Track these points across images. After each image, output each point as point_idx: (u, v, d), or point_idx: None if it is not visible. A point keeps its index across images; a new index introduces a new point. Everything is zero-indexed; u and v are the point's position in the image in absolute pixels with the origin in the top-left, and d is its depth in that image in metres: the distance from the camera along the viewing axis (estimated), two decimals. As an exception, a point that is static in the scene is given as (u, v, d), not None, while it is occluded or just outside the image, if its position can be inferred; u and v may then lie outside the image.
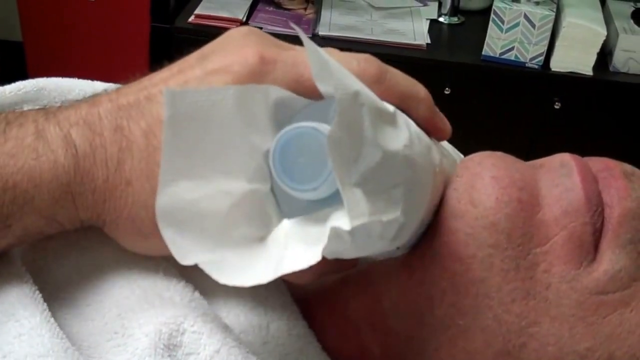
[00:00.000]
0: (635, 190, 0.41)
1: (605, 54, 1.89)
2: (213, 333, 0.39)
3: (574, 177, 0.41)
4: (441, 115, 0.44)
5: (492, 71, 1.88)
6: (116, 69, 2.01)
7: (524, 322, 0.40)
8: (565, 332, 0.39)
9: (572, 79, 1.85)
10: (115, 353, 0.38)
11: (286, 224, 0.37)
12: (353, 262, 0.48)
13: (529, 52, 1.84)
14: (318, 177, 0.35)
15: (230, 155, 0.37)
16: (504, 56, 1.85)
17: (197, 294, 0.42)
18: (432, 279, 0.41)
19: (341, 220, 0.34)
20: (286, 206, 0.38)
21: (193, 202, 0.36)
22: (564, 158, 0.43)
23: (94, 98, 0.41)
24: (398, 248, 0.40)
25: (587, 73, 1.84)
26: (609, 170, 0.42)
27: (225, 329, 0.40)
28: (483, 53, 1.86)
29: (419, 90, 0.43)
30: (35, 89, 0.48)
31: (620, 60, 1.86)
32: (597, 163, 0.43)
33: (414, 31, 1.97)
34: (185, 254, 0.35)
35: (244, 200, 0.37)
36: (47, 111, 0.40)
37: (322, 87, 0.36)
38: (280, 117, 0.38)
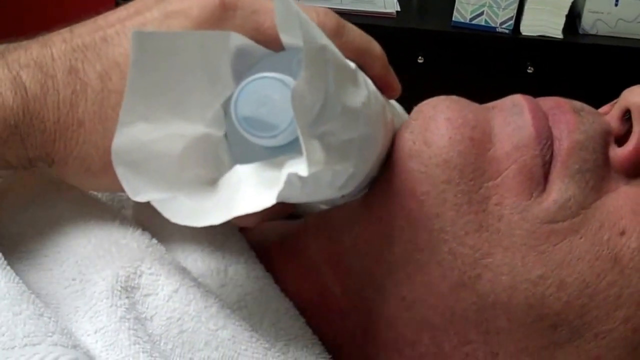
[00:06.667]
0: (584, 123, 0.42)
1: (574, 16, 1.90)
2: (171, 274, 0.40)
3: (525, 115, 0.42)
4: (393, 74, 0.45)
5: (463, 38, 1.88)
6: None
7: (478, 254, 0.40)
8: (517, 261, 0.40)
9: (543, 43, 1.86)
10: (73, 298, 0.38)
11: (240, 169, 0.38)
12: (291, 207, 0.49)
13: (498, 17, 1.84)
14: (278, 126, 0.36)
15: (190, 100, 0.38)
16: (474, 21, 1.86)
17: (154, 240, 0.42)
18: (389, 217, 0.42)
19: (298, 167, 0.35)
20: (240, 152, 0.38)
21: (148, 143, 0.37)
22: (516, 98, 0.44)
23: (45, 38, 0.40)
24: (343, 196, 0.41)
25: (557, 36, 1.85)
26: (559, 107, 0.43)
27: (183, 270, 0.41)
28: (453, 19, 1.86)
29: (375, 47, 0.44)
30: None
31: (588, 22, 1.87)
32: (548, 102, 0.44)
33: (384, -2, 1.97)
34: (138, 191, 0.36)
35: (197, 142, 0.38)
36: None
37: (285, 38, 0.36)
38: (240, 65, 0.38)
